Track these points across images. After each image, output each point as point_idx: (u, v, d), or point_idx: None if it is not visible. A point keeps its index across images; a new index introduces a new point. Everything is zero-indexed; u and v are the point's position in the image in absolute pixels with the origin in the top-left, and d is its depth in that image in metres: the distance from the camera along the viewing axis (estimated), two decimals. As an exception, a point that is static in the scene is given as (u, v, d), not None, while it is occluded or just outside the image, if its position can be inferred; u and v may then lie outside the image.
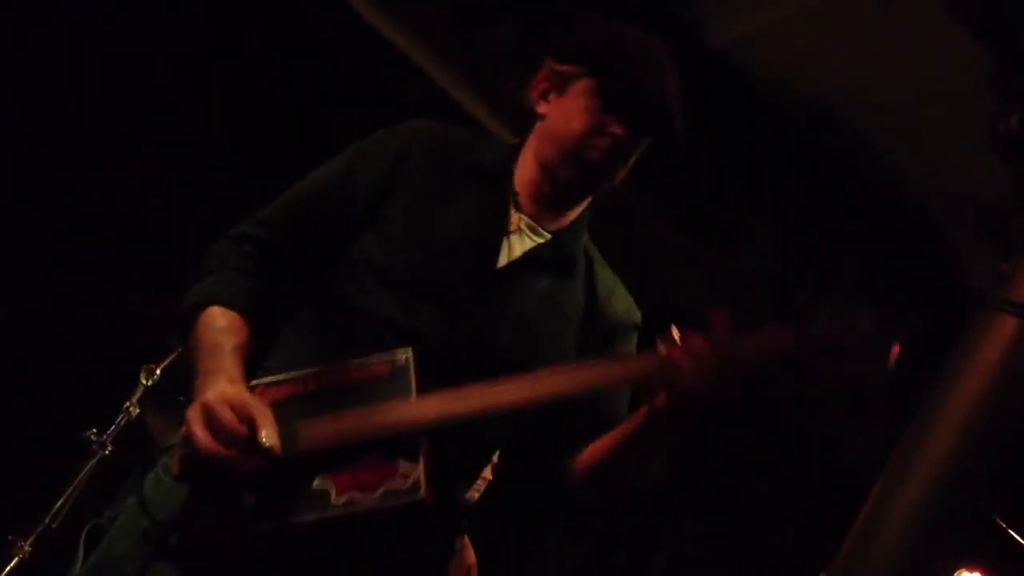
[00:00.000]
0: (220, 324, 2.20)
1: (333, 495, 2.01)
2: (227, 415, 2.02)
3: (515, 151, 2.43)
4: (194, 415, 2.05)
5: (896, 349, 2.13)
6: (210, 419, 2.02)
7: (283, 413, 2.07)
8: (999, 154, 4.25)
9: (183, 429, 2.09)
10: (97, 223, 4.68)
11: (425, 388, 2.09)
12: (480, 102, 5.15)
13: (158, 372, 3.76)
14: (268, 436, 2.02)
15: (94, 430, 3.70)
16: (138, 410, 3.73)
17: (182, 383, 3.73)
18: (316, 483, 2.02)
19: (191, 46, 4.88)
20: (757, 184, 5.35)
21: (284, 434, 2.04)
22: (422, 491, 1.99)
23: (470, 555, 3.68)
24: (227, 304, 2.23)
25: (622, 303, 2.44)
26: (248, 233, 2.33)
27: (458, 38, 5.05)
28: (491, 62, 5.03)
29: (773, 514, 5.81)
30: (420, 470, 2.00)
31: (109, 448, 3.69)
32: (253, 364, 2.22)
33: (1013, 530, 4.11)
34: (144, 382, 3.74)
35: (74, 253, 4.62)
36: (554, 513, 5.40)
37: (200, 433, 2.02)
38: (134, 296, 4.05)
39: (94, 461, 3.68)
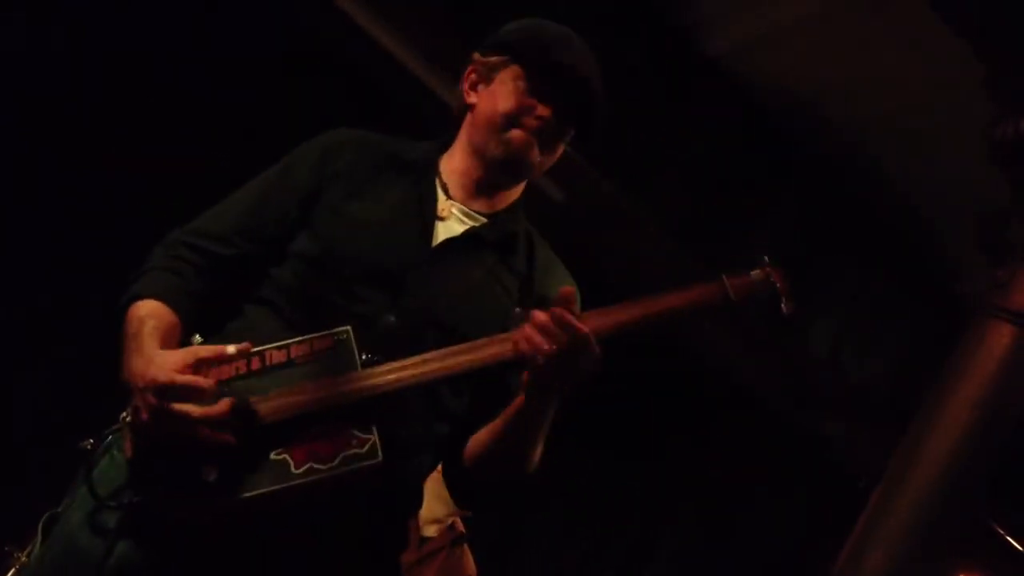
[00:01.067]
0: (141, 313, 2.24)
1: (291, 466, 2.05)
2: (187, 379, 2.05)
3: (442, 145, 2.51)
4: (153, 398, 2.06)
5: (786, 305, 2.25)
6: (177, 392, 2.05)
7: (231, 390, 2.11)
8: (995, 162, 4.26)
9: (129, 415, 2.13)
10: (96, 226, 4.67)
11: (369, 362, 2.15)
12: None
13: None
14: (234, 346, 2.10)
15: (90, 440, 3.68)
16: (134, 419, 3.72)
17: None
18: (273, 456, 2.06)
19: (187, 49, 4.87)
20: (753, 190, 5.36)
21: (236, 408, 2.07)
22: (380, 454, 2.05)
23: (469, 563, 3.69)
24: (153, 297, 2.27)
25: (556, 275, 2.47)
26: (183, 240, 2.37)
27: (453, 43, 5.05)
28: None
29: (772, 519, 5.81)
30: (374, 436, 2.07)
31: (105, 458, 3.68)
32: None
33: (1010, 535, 4.12)
34: (141, 391, 3.73)
35: (72, 255, 4.62)
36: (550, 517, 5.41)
37: (183, 409, 2.05)
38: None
39: (91, 471, 3.67)
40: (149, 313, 2.23)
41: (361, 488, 2.10)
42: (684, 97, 4.87)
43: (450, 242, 2.37)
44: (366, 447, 2.06)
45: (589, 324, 2.10)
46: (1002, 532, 4.21)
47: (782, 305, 2.25)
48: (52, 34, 4.67)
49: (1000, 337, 3.94)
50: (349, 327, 2.16)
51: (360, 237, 2.32)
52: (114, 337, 2.24)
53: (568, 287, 2.19)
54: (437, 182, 2.44)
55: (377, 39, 5.09)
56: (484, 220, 2.42)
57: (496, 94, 2.40)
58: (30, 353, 4.46)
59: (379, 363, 2.14)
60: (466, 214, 2.42)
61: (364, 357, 2.14)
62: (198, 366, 2.09)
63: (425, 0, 5.03)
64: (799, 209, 5.50)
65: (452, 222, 2.41)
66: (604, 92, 2.43)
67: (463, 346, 2.19)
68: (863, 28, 4.63)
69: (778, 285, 2.27)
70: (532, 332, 2.09)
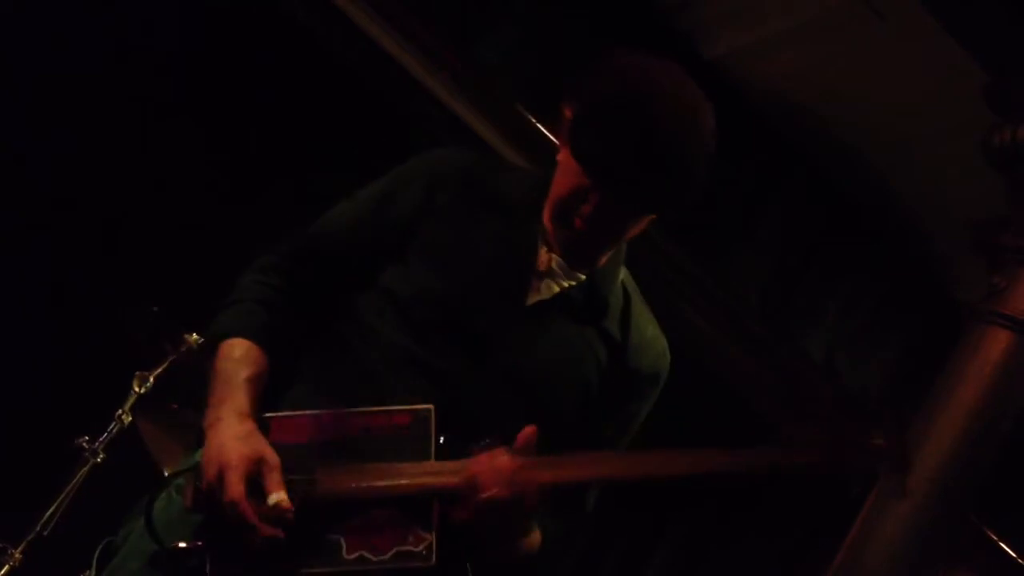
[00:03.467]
0: (235, 354, 2.18)
1: (344, 550, 2.02)
2: (237, 483, 2.01)
3: (545, 185, 2.27)
4: (211, 469, 2.04)
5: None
6: (224, 482, 2.02)
7: (298, 457, 2.08)
8: (992, 168, 4.26)
9: (198, 459, 2.10)
10: (91, 228, 4.67)
11: (445, 431, 2.08)
12: (476, 113, 5.15)
13: (151, 379, 3.74)
14: (276, 497, 2.02)
15: (86, 437, 3.69)
16: (130, 418, 3.72)
17: (175, 391, 3.76)
18: (328, 535, 2.03)
19: (182, 51, 4.87)
20: (749, 197, 5.36)
21: (298, 482, 2.04)
22: (433, 558, 2.01)
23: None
24: (246, 336, 2.20)
25: (650, 354, 2.32)
26: (276, 265, 2.29)
27: (454, 49, 5.06)
28: (487, 74, 5.04)
29: (766, 526, 5.81)
30: (432, 536, 2.02)
31: (101, 456, 3.68)
32: (273, 394, 2.20)
33: (1004, 542, 4.12)
34: (136, 389, 3.73)
35: (67, 258, 4.61)
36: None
37: (217, 492, 2.03)
38: (127, 302, 4.03)
39: (86, 469, 3.66)
40: (243, 357, 2.18)
41: None
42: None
43: (542, 304, 2.23)
44: (421, 546, 2.02)
45: (544, 476, 2.02)
46: (996, 538, 4.21)
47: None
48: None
49: (997, 343, 3.93)
50: (431, 407, 2.08)
51: (452, 288, 2.20)
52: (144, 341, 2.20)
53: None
54: (539, 230, 2.24)
55: (377, 39, 5.09)
56: (581, 279, 2.24)
57: (563, 167, 2.18)
58: (22, 359, 4.45)
59: (455, 453, 2.06)
60: (564, 270, 2.24)
61: (440, 442, 2.07)
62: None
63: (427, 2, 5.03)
64: (794, 214, 5.50)
65: (550, 279, 2.23)
66: (687, 171, 2.09)
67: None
68: (861, 34, 4.62)
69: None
70: (485, 470, 2.00)
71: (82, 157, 4.67)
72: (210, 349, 2.22)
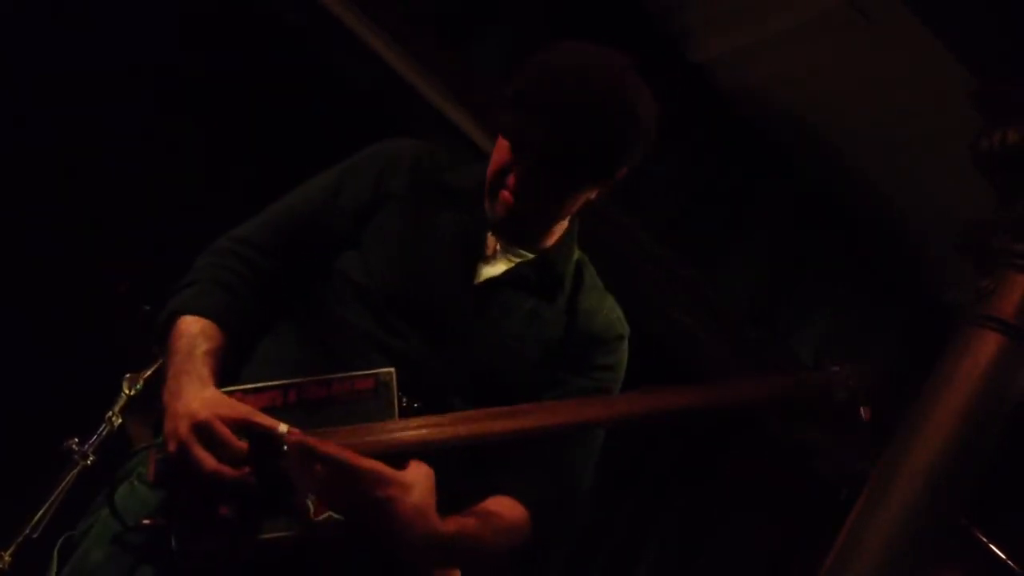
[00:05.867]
0: (193, 330, 2.17)
1: (311, 511, 2.01)
2: (221, 430, 2.00)
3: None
4: (183, 427, 2.02)
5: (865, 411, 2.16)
6: (208, 437, 2.00)
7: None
8: (981, 172, 4.28)
9: (160, 440, 2.07)
10: (85, 227, 4.67)
11: (408, 408, 2.09)
12: (466, 115, 5.17)
13: (140, 382, 3.74)
14: (284, 427, 2.01)
15: (75, 440, 3.68)
16: (120, 420, 3.72)
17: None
18: (294, 499, 2.02)
19: (176, 53, 4.88)
20: (738, 199, 5.37)
21: (263, 448, 2.01)
22: None
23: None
24: (203, 314, 2.20)
25: (602, 320, 2.37)
26: (232, 250, 2.30)
27: (445, 52, 5.07)
28: (478, 76, 5.05)
29: (755, 528, 5.82)
30: None
31: (91, 458, 3.67)
32: (229, 376, 2.18)
33: (994, 543, 4.12)
34: (126, 391, 3.73)
35: (56, 257, 4.61)
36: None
37: (197, 451, 2.00)
38: (116, 304, 4.03)
39: (75, 471, 3.66)
40: (200, 332, 2.17)
41: (379, 542, 2.04)
42: (669, 104, 4.88)
43: (491, 282, 2.28)
44: None
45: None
46: (986, 540, 4.22)
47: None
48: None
49: (985, 345, 3.95)
50: (392, 369, 2.09)
51: (404, 270, 2.24)
52: (135, 343, 2.20)
53: (613, 329, 2.16)
54: (486, 216, 2.31)
55: (367, 43, 5.10)
56: (529, 256, 2.32)
57: (496, 148, 2.26)
58: (10, 361, 4.44)
59: (418, 412, 2.08)
60: (512, 252, 2.32)
61: (403, 404, 2.08)
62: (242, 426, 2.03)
63: (416, 4, 5.04)
64: (784, 217, 5.52)
65: (498, 261, 2.31)
66: (604, 142, 2.15)
67: (525, 407, 2.11)
68: (850, 38, 4.64)
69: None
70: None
71: (76, 157, 4.67)
72: (165, 327, 2.21)
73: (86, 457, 3.67)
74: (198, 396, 2.05)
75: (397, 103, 5.16)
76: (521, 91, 2.16)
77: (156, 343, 2.26)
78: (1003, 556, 4.56)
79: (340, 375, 2.11)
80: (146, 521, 2.07)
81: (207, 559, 2.04)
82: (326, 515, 2.01)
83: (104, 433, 3.71)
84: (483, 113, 5.06)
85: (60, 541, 2.25)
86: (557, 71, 2.16)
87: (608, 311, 2.40)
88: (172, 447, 2.03)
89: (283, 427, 2.01)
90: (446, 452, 2.07)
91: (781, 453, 5.64)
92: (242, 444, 2.01)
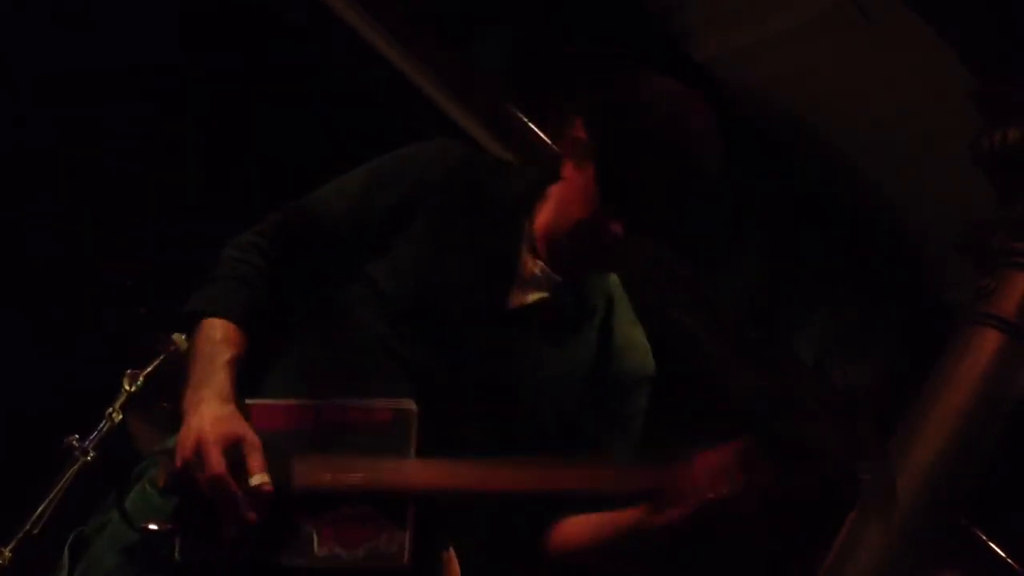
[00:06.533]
0: (216, 335, 2.14)
1: (316, 544, 1.99)
2: (217, 459, 1.98)
3: (539, 188, 2.25)
4: (190, 443, 2.00)
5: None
6: (204, 458, 1.99)
7: (277, 444, 2.04)
8: (982, 171, 4.28)
9: (173, 445, 2.06)
10: (81, 226, 4.67)
11: (425, 432, 2.03)
12: (467, 115, 5.16)
13: (141, 378, 3.73)
14: (259, 479, 1.98)
15: (76, 436, 3.67)
16: (121, 416, 3.71)
17: (165, 389, 3.75)
18: (299, 527, 2.00)
19: (176, 53, 4.88)
20: (739, 198, 5.37)
21: (274, 469, 2.01)
22: (405, 558, 1.98)
23: (455, 568, 3.67)
24: (226, 315, 2.16)
25: (635, 356, 2.29)
26: (255, 244, 2.25)
27: (445, 52, 5.07)
28: (478, 76, 5.05)
29: (754, 529, 5.81)
30: (406, 536, 1.99)
31: (91, 454, 3.66)
32: (250, 376, 2.16)
33: (993, 542, 4.13)
34: (127, 388, 3.71)
35: (57, 256, 4.60)
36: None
37: (195, 471, 1.99)
38: (117, 301, 4.03)
39: (76, 467, 3.64)
40: (224, 338, 2.14)
41: None
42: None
43: (522, 309, 2.19)
44: (394, 546, 1.98)
45: (764, 476, 1.96)
46: (986, 539, 4.22)
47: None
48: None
49: (986, 344, 3.96)
50: (414, 404, 2.03)
51: (432, 282, 2.17)
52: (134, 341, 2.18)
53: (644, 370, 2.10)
54: (524, 234, 2.21)
55: (367, 42, 5.10)
56: (563, 284, 2.20)
57: (577, 187, 2.12)
58: (10, 357, 4.44)
59: (433, 457, 2.02)
60: (547, 276, 2.20)
61: (420, 442, 2.02)
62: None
63: (417, 4, 5.04)
64: (784, 216, 5.52)
65: (533, 285, 2.20)
66: (712, 205, 2.11)
67: (562, 466, 2.05)
68: (851, 38, 4.65)
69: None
70: (699, 475, 1.93)
71: (76, 157, 4.67)
72: (188, 325, 2.18)
73: (86, 453, 3.65)
74: (213, 414, 2.03)
75: (397, 103, 5.16)
76: (636, 155, 2.04)
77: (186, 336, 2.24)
78: (1003, 556, 4.57)
79: (359, 401, 2.07)
80: (153, 526, 2.06)
81: (207, 571, 2.03)
82: (328, 550, 1.99)
83: (104, 429, 3.69)
84: (482, 110, 5.06)
85: (72, 537, 2.24)
86: (679, 142, 2.05)
87: (640, 350, 2.31)
88: (178, 462, 2.02)
89: (256, 479, 1.98)
90: (457, 501, 2.05)
91: (780, 450, 5.63)
92: (231, 483, 1.98)
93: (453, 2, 5.10)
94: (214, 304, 2.18)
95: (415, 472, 2.02)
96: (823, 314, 5.65)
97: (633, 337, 2.31)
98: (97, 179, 4.68)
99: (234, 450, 2.00)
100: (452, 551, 3.64)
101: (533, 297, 2.20)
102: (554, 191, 2.21)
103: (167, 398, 3.78)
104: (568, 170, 2.16)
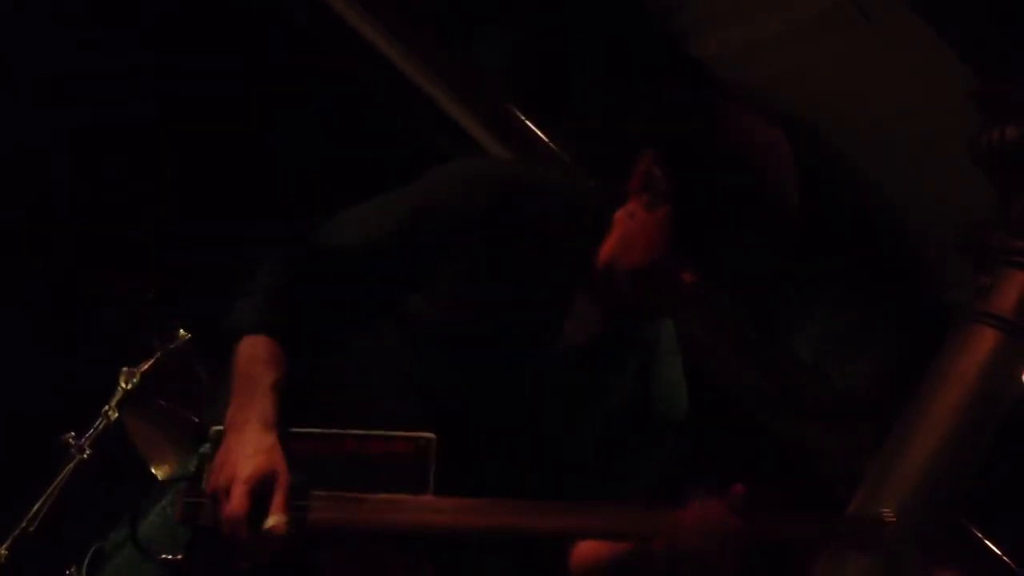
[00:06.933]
0: (262, 355, 2.09)
1: None
2: (240, 502, 1.95)
3: (603, 223, 2.10)
4: (223, 476, 1.98)
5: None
6: (233, 492, 1.97)
7: (302, 472, 2.03)
8: (981, 169, 4.27)
9: (192, 469, 2.07)
10: (78, 223, 4.67)
11: (447, 468, 2.01)
12: (467, 115, 5.16)
13: (137, 375, 3.73)
14: (275, 520, 1.96)
15: (72, 433, 3.68)
16: (116, 414, 3.71)
17: (162, 387, 3.76)
18: (316, 564, 2.00)
19: (176, 53, 4.88)
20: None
21: (293, 506, 1.99)
22: None
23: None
24: (270, 334, 2.11)
25: (672, 400, 2.23)
26: (297, 260, 2.19)
27: (445, 52, 5.07)
28: (478, 76, 5.05)
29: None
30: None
31: (87, 452, 3.66)
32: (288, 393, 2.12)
33: (989, 540, 4.12)
34: (123, 385, 3.72)
35: (53, 253, 4.61)
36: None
37: (218, 506, 1.98)
38: (114, 298, 4.03)
39: (72, 465, 3.65)
40: (268, 359, 2.09)
41: None
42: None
43: (567, 352, 2.11)
44: None
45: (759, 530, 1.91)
46: (982, 537, 4.21)
47: None
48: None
49: (983, 342, 3.95)
50: (433, 438, 2.01)
51: (474, 322, 2.08)
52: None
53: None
54: (575, 268, 2.10)
55: (368, 42, 5.10)
56: (614, 326, 2.12)
57: (649, 227, 1.99)
58: (6, 355, 4.45)
59: (451, 496, 1.99)
60: (599, 319, 2.12)
61: (439, 475, 2.00)
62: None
63: (417, 4, 5.04)
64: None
65: (583, 323, 2.11)
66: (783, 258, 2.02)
67: (564, 507, 1.99)
68: (850, 37, 4.64)
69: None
70: (696, 522, 1.89)
71: (76, 157, 4.68)
72: (231, 340, 2.13)
73: (83, 451, 3.65)
74: (254, 445, 1.99)
75: (397, 103, 5.16)
76: (729, 213, 1.93)
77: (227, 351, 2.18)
78: (1002, 556, 4.56)
79: (380, 433, 2.04)
80: (167, 556, 2.05)
81: None
82: None
83: (100, 427, 3.70)
84: (483, 110, 5.06)
85: (91, 552, 2.23)
86: (772, 201, 1.97)
87: (677, 392, 2.25)
88: (208, 487, 2.00)
89: (272, 520, 1.96)
90: (472, 541, 2.03)
91: (780, 449, 5.63)
92: (246, 527, 1.97)
93: (453, 2, 5.10)
94: (258, 321, 2.13)
95: (433, 511, 1.98)
96: (822, 314, 5.64)
97: (673, 379, 2.24)
98: (98, 180, 4.70)
99: (262, 485, 1.97)
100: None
101: (582, 338, 2.11)
102: (618, 228, 2.06)
103: (164, 396, 3.79)
104: (637, 207, 2.03)
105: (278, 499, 1.96)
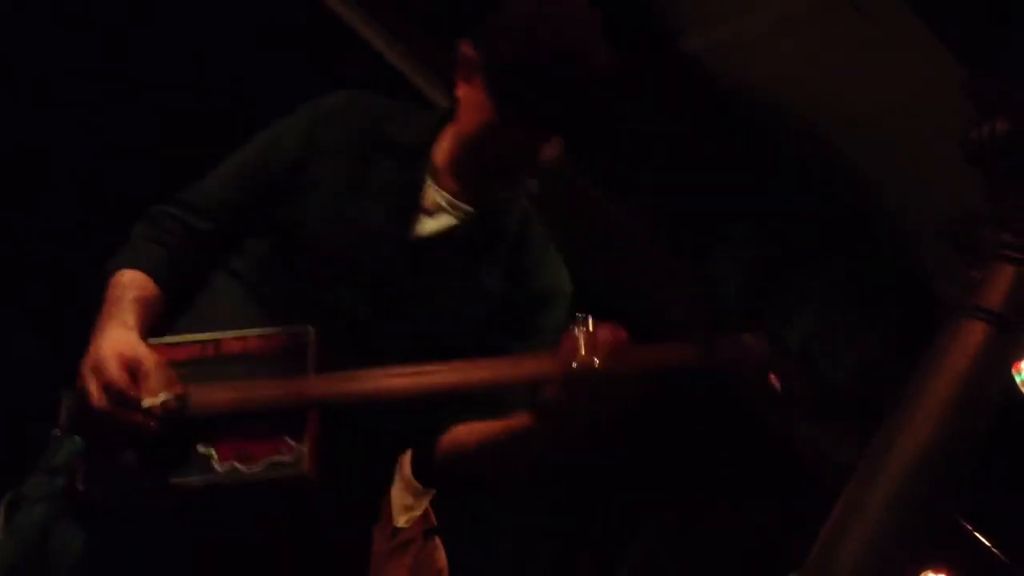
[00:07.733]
0: (124, 280, 2.22)
1: (216, 461, 2.04)
2: (115, 371, 2.02)
3: (439, 124, 2.37)
4: (86, 368, 2.06)
5: (774, 379, 2.18)
6: (100, 373, 2.03)
7: (178, 374, 2.08)
8: (972, 162, 4.26)
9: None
10: (77, 222, 4.69)
11: (340, 366, 2.09)
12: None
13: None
14: (151, 401, 2.03)
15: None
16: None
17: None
18: (200, 448, 2.04)
19: (176, 53, 4.90)
20: (727, 189, 5.36)
21: (173, 399, 2.05)
22: (305, 465, 2.01)
23: (441, 557, 3.69)
24: (136, 267, 2.24)
25: (547, 275, 2.38)
26: (169, 212, 2.34)
27: (445, 52, 5.07)
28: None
29: (744, 517, 5.81)
30: (305, 446, 2.02)
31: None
32: (163, 330, 2.22)
33: (979, 533, 4.11)
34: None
35: (56, 255, 4.63)
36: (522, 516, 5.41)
37: (92, 389, 2.03)
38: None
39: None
40: (131, 282, 2.22)
41: (290, 498, 2.06)
42: (659, 93, 4.90)
43: (430, 239, 2.28)
44: (293, 456, 2.03)
45: (636, 359, 2.00)
46: (972, 530, 4.20)
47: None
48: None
49: (974, 335, 3.93)
50: (311, 328, 2.11)
51: (337, 226, 2.25)
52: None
53: (557, 285, 2.20)
54: (427, 168, 2.32)
55: (367, 42, 5.12)
56: (472, 211, 2.31)
57: (475, 102, 2.26)
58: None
59: (331, 371, 2.08)
60: (453, 206, 2.31)
61: (320, 360, 2.09)
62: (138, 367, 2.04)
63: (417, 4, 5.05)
64: (773, 207, 5.50)
65: (439, 215, 2.30)
66: (599, 88, 2.24)
67: (462, 363, 2.10)
68: (842, 31, 4.65)
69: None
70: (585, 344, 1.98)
71: (76, 157, 4.70)
72: (102, 287, 2.25)
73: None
74: (111, 336, 2.08)
75: (380, 87, 5.16)
76: (523, 60, 2.16)
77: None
78: (998, 554, 4.55)
79: (259, 331, 2.13)
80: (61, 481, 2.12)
81: (111, 503, 2.06)
82: (229, 465, 2.03)
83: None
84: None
85: (6, 499, 2.27)
86: (567, 44, 2.17)
87: (552, 268, 2.40)
88: (78, 385, 2.07)
89: (148, 401, 2.01)
90: (356, 409, 2.08)
91: (769, 441, 5.63)
92: (130, 388, 2.04)
93: (453, 2, 5.11)
94: (125, 260, 2.26)
95: (311, 384, 2.07)
96: (814, 308, 5.64)
97: (545, 256, 2.40)
98: (98, 180, 4.72)
99: (131, 373, 2.03)
100: (438, 540, 3.66)
101: (438, 226, 2.28)
102: (452, 123, 2.31)
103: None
104: (461, 90, 2.29)
105: (153, 380, 2.03)
